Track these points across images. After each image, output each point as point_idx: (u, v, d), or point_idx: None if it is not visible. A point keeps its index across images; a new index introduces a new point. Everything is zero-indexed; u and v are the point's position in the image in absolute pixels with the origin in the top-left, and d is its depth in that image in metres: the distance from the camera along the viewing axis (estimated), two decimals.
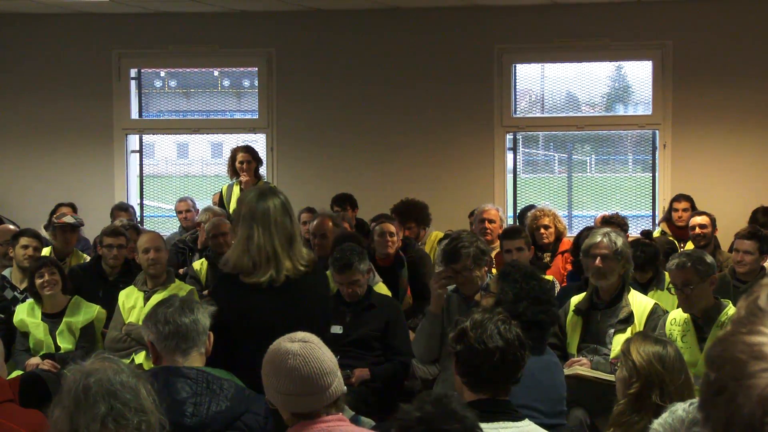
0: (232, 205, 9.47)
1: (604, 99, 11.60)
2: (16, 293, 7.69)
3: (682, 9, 10.63)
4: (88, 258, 8.47)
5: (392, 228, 8.06)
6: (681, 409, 2.98)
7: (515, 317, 4.51)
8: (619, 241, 5.96)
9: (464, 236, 6.02)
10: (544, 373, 4.49)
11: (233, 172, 9.53)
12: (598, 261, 5.90)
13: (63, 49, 11.56)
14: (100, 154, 11.59)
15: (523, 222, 9.08)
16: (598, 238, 5.97)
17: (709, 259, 5.81)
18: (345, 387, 3.39)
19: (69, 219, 8.62)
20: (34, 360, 6.88)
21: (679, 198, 9.67)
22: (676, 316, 5.74)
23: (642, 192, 11.39)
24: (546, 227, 8.55)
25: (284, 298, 4.32)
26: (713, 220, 8.79)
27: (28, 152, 11.63)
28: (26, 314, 7.09)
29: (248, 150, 9.59)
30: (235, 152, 9.56)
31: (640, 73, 11.24)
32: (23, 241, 7.87)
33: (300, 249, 4.42)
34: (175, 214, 10.53)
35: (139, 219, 11.06)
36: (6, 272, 8.00)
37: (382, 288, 7.22)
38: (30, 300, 7.28)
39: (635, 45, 10.86)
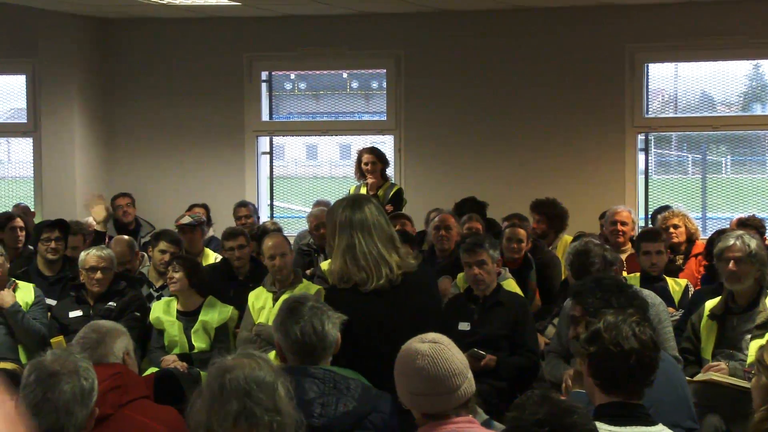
0: None
1: (741, 98, 11.29)
2: (152, 290, 7.85)
3: None
4: (220, 257, 8.58)
5: (521, 234, 7.99)
6: None
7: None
8: (753, 244, 5.79)
9: (591, 246, 5.96)
10: (672, 374, 4.39)
11: (360, 173, 9.49)
12: (731, 264, 5.75)
13: (196, 54, 11.79)
14: (232, 156, 11.79)
15: (655, 223, 8.91)
16: (731, 241, 5.81)
17: None
18: (475, 388, 3.36)
19: (185, 219, 8.68)
20: (170, 357, 6.99)
21: None
22: None
23: None
24: (676, 226, 8.40)
25: (403, 294, 4.33)
26: None
27: (163, 155, 11.91)
28: (162, 312, 7.17)
29: (373, 151, 9.52)
30: (360, 154, 9.51)
31: None
32: (162, 245, 7.96)
33: (401, 247, 4.45)
34: (304, 215, 10.59)
35: (259, 215, 11.04)
36: (143, 270, 8.18)
37: (511, 284, 7.16)
38: (165, 298, 7.40)
39: None
